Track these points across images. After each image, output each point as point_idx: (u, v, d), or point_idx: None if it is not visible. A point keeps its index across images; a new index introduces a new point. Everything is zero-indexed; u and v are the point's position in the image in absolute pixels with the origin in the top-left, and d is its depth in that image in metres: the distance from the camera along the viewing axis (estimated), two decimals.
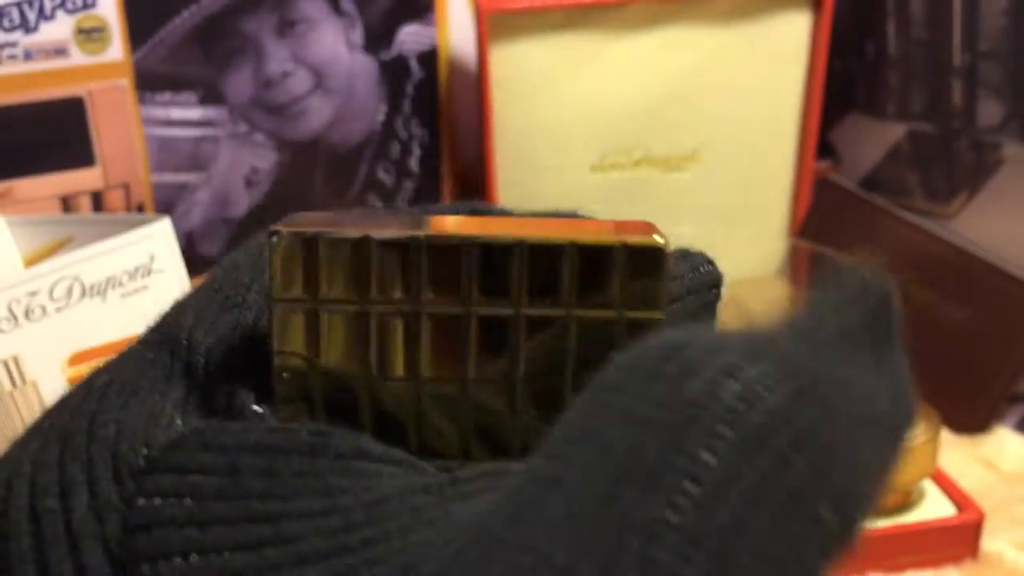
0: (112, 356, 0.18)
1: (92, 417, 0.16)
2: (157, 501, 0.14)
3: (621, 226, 0.17)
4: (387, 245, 0.16)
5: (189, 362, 0.17)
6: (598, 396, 0.14)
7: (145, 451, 0.15)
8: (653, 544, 0.12)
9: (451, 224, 0.17)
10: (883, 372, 0.15)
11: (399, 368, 0.16)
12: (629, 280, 0.16)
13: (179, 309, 0.19)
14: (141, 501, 0.14)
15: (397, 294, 0.16)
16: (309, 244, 0.16)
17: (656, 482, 0.13)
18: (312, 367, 0.16)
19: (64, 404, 0.17)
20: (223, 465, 0.14)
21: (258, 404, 0.16)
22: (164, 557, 0.14)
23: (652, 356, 0.14)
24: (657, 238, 0.16)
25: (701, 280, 0.19)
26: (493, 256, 0.16)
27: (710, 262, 0.19)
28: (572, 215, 0.21)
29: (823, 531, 0.13)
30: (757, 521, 0.13)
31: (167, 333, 0.18)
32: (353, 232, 0.16)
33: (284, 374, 0.16)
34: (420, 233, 0.16)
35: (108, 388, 0.16)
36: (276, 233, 0.16)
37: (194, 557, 0.13)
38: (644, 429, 0.13)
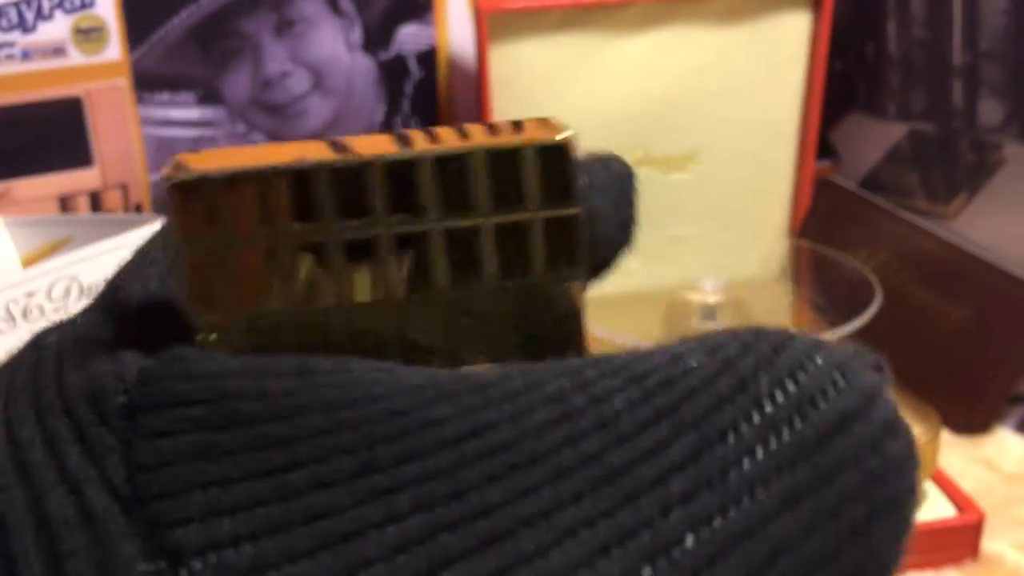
0: (57, 322, 0.18)
1: (57, 370, 0.15)
2: (159, 440, 0.14)
3: (521, 126, 0.16)
4: (288, 174, 0.15)
5: (126, 326, 0.17)
6: (677, 364, 0.14)
7: (123, 386, 0.14)
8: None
9: (358, 145, 0.16)
10: None
11: (324, 301, 0.16)
12: (539, 179, 0.16)
13: (116, 275, 0.18)
14: (141, 441, 0.14)
15: (306, 223, 0.15)
16: (205, 185, 0.15)
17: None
18: (234, 319, 0.15)
19: (17, 364, 0.16)
20: (213, 392, 0.14)
21: None
22: (183, 492, 0.13)
23: (761, 350, 0.14)
24: (560, 135, 0.16)
25: (615, 175, 0.20)
26: (400, 173, 0.15)
27: (619, 160, 0.20)
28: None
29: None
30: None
31: (106, 298, 0.18)
32: (250, 166, 0.15)
33: (205, 326, 0.15)
34: (321, 158, 0.15)
35: (62, 344, 0.16)
36: (167, 179, 0.15)
37: (213, 490, 0.13)
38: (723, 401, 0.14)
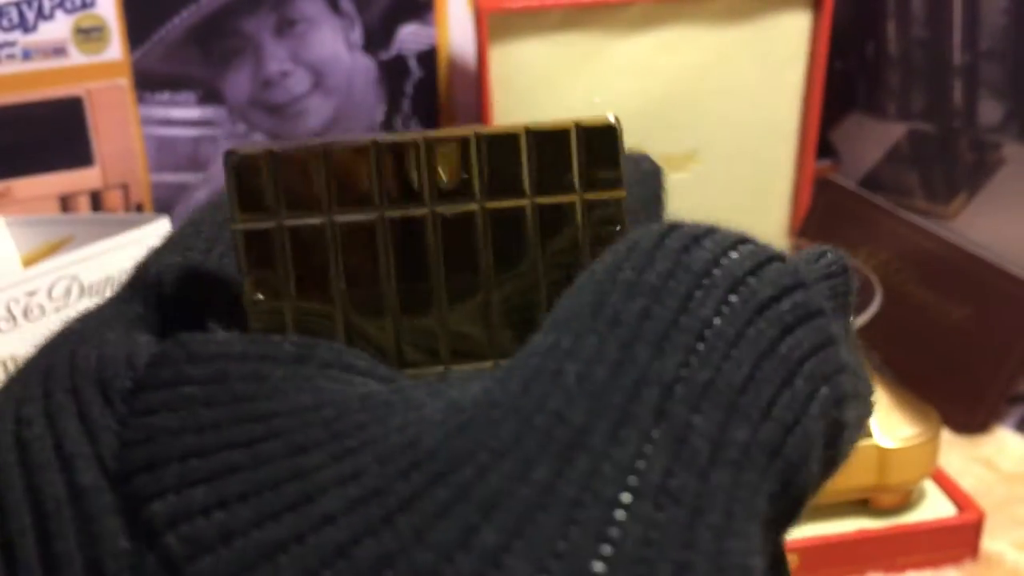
0: (92, 307, 0.18)
1: (72, 352, 0.16)
2: (150, 416, 0.14)
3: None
4: (344, 152, 0.16)
5: (159, 300, 0.17)
6: (601, 274, 0.14)
7: (131, 373, 0.15)
8: (667, 398, 0.13)
9: (408, 133, 0.16)
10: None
11: (371, 279, 0.16)
12: (587, 161, 0.16)
13: (150, 255, 0.19)
14: (134, 419, 0.14)
15: (358, 203, 0.16)
16: (265, 160, 0.16)
17: (667, 342, 0.13)
18: (283, 286, 0.16)
19: (42, 348, 0.17)
20: (210, 373, 0.14)
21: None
22: (162, 464, 0.14)
23: (651, 235, 0.15)
24: (608, 117, 0.16)
25: (644, 172, 0.20)
26: (446, 153, 0.16)
27: (649, 159, 0.20)
28: None
29: (822, 408, 0.14)
30: (763, 380, 0.13)
31: (138, 276, 0.18)
32: (310, 144, 0.16)
33: (256, 297, 0.16)
34: (375, 137, 0.16)
35: (84, 328, 0.17)
36: (231, 153, 0.16)
37: (192, 461, 0.14)
38: (652, 297, 0.14)
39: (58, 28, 0.50)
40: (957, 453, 0.50)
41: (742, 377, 0.13)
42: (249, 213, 0.16)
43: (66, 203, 0.53)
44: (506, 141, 0.16)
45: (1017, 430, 0.53)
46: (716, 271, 0.14)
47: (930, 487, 0.46)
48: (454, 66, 0.62)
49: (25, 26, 0.50)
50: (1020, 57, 0.55)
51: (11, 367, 0.40)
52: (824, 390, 0.14)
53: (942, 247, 0.57)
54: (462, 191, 0.16)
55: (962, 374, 0.54)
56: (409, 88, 0.61)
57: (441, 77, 0.62)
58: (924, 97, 0.61)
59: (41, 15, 0.50)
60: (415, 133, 0.16)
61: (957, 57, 0.58)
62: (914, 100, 0.62)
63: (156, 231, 0.43)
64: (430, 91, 0.61)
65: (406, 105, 0.61)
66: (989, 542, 0.44)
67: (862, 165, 0.66)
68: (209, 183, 0.57)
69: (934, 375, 0.55)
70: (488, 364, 0.16)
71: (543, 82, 0.58)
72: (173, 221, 0.45)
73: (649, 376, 0.13)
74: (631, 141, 0.60)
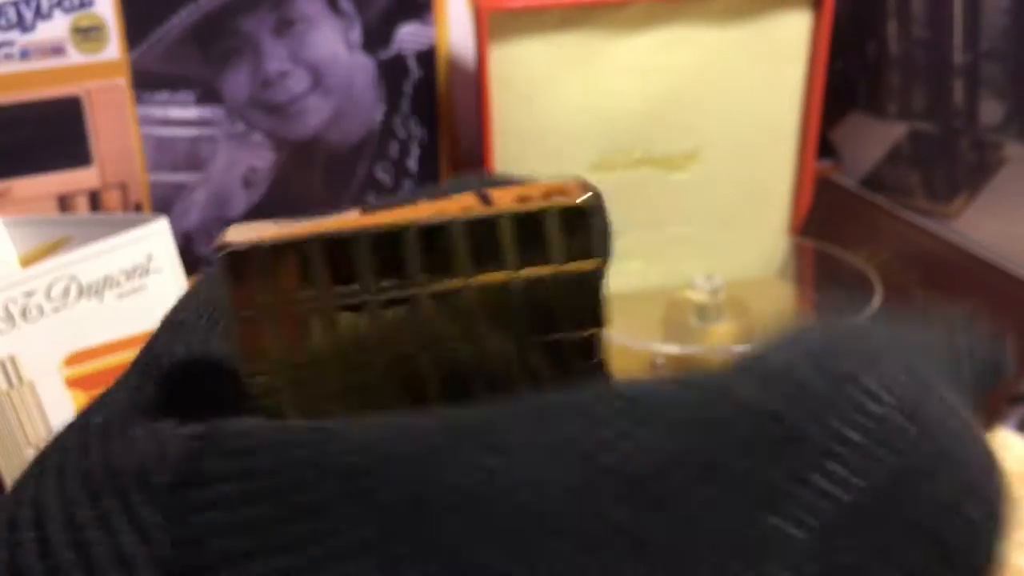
0: (101, 393, 0.18)
1: (106, 453, 0.16)
2: (194, 515, 0.14)
3: (550, 189, 0.17)
4: (330, 242, 0.16)
5: (170, 390, 0.17)
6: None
7: (167, 469, 0.15)
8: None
9: (389, 214, 0.17)
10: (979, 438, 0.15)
11: (365, 355, 0.17)
12: (563, 237, 0.17)
13: (157, 337, 0.19)
14: (184, 518, 0.14)
15: (348, 286, 0.17)
16: (258, 254, 0.16)
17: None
18: (280, 367, 0.17)
19: (68, 447, 0.17)
20: (244, 468, 0.15)
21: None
22: (216, 567, 0.14)
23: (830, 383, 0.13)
24: (582, 199, 0.17)
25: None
26: (433, 236, 0.17)
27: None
28: (504, 181, 0.22)
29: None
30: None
31: (148, 364, 0.18)
32: (295, 235, 0.16)
33: (256, 380, 0.16)
34: (360, 225, 0.16)
35: (109, 425, 0.17)
36: (221, 248, 0.16)
37: (243, 563, 0.14)
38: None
39: (56, 27, 0.50)
40: None
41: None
42: (245, 303, 0.16)
43: (64, 203, 0.52)
44: (488, 224, 0.17)
45: (1018, 430, 0.53)
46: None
47: None
48: (454, 66, 0.62)
49: (23, 25, 0.49)
50: (1021, 57, 0.55)
51: (9, 368, 0.40)
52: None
53: (943, 247, 0.57)
54: (451, 269, 0.17)
55: None
56: (408, 88, 0.61)
57: (440, 77, 0.61)
58: (925, 97, 0.61)
59: (39, 14, 0.50)
60: (405, 215, 0.17)
61: (958, 57, 0.58)
62: (915, 100, 0.62)
63: (155, 231, 0.43)
64: (429, 91, 0.61)
65: (405, 105, 0.61)
66: None
67: (863, 165, 0.66)
68: (207, 183, 0.57)
69: None
70: None
71: (543, 82, 0.58)
72: (172, 221, 0.45)
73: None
74: (631, 141, 0.60)
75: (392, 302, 0.17)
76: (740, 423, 0.12)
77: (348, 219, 0.17)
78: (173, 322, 0.19)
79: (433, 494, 0.13)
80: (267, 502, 0.14)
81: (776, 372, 0.13)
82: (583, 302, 0.17)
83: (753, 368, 0.13)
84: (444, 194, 0.19)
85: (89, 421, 0.17)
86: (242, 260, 0.16)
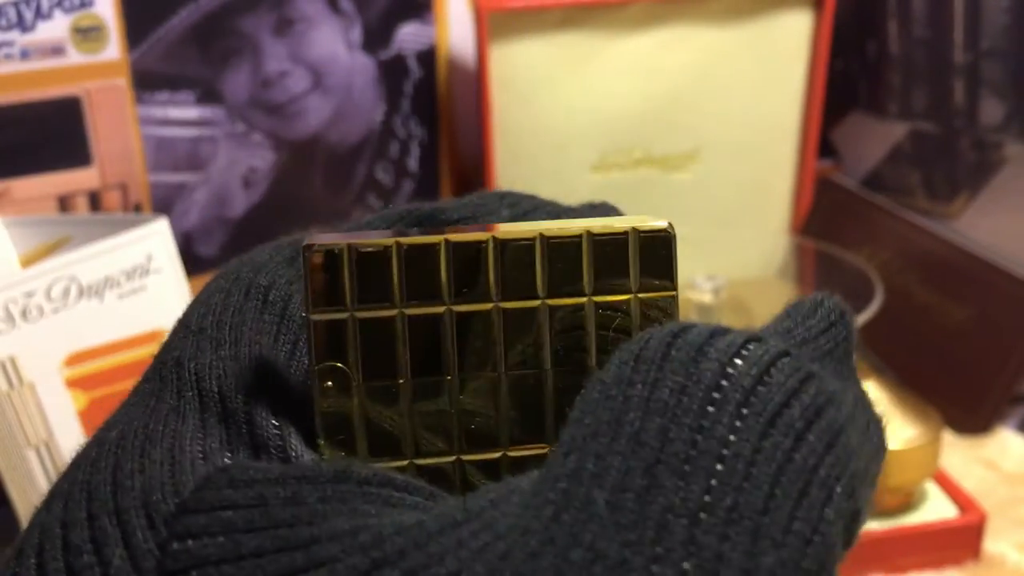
0: (118, 406, 0.18)
1: (114, 471, 0.16)
2: (190, 542, 0.14)
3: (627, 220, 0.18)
4: (413, 250, 0.17)
5: (202, 398, 0.17)
6: (613, 389, 0.14)
7: (176, 498, 0.15)
8: (695, 527, 0.13)
9: (473, 229, 0.17)
10: (853, 391, 0.16)
11: (439, 368, 0.17)
12: (642, 264, 0.17)
13: (174, 345, 0.19)
14: (175, 544, 0.14)
15: (426, 298, 0.17)
16: (343, 255, 0.16)
17: (689, 466, 0.13)
18: (351, 375, 0.17)
19: (81, 463, 0.17)
20: (250, 498, 0.14)
21: (296, 434, 0.17)
22: None
23: (657, 345, 0.15)
24: (662, 223, 0.18)
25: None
26: (511, 252, 0.17)
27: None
28: (604, 207, 0.22)
29: (838, 512, 0.14)
30: (782, 496, 0.13)
31: (170, 371, 0.18)
32: (381, 241, 0.16)
33: (326, 384, 0.17)
34: (443, 236, 0.17)
35: (123, 440, 0.17)
36: (309, 248, 0.16)
37: None
38: (669, 417, 0.14)
39: (56, 28, 0.50)
40: (959, 454, 0.50)
41: (763, 497, 0.13)
42: (323, 305, 0.16)
43: (64, 203, 0.52)
44: (567, 243, 0.17)
45: (1018, 430, 0.53)
46: (725, 383, 0.14)
47: (932, 488, 0.45)
48: (454, 65, 0.62)
49: (23, 25, 0.49)
50: (1021, 56, 0.55)
51: (9, 368, 0.40)
52: (838, 489, 0.14)
53: (943, 247, 0.57)
54: (527, 288, 0.17)
55: (963, 375, 0.54)
56: (408, 87, 0.61)
57: (441, 76, 0.61)
58: (925, 97, 0.61)
59: (39, 14, 0.50)
60: (482, 233, 0.17)
61: (958, 57, 0.58)
62: (915, 100, 0.62)
63: (155, 231, 0.43)
64: (429, 90, 0.61)
65: (405, 104, 0.61)
66: (991, 543, 0.44)
67: (863, 165, 0.66)
68: (207, 183, 0.57)
69: (936, 375, 0.54)
70: (498, 454, 0.17)
71: (543, 82, 0.58)
72: (172, 221, 0.45)
73: (676, 505, 0.13)
74: (631, 141, 0.60)
75: (466, 316, 0.17)
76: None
77: (432, 235, 0.17)
78: (191, 330, 0.19)
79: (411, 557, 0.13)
80: (264, 533, 0.14)
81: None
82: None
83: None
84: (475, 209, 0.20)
85: (105, 436, 0.17)
86: (326, 261, 0.16)
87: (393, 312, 0.17)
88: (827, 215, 0.63)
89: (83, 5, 0.51)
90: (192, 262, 0.54)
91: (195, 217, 0.57)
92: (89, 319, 0.41)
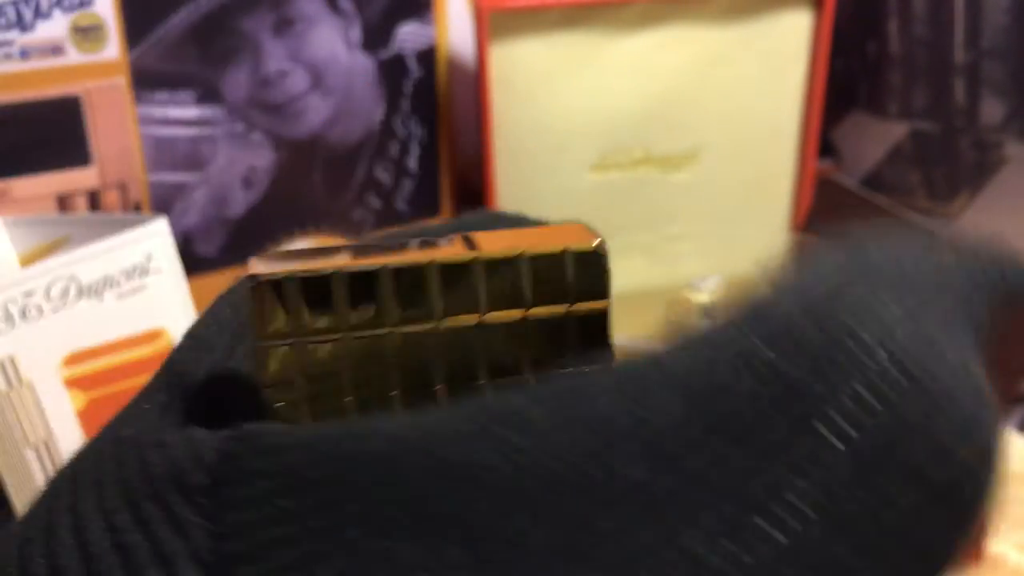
0: (125, 407, 0.19)
1: (140, 459, 0.17)
2: (234, 511, 0.15)
3: (557, 232, 0.19)
4: (355, 276, 0.17)
5: (194, 407, 0.18)
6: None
7: (204, 470, 0.16)
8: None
9: (415, 252, 0.18)
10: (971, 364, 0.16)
11: (383, 389, 0.18)
12: (577, 279, 0.18)
13: (185, 357, 0.20)
14: (221, 514, 0.15)
15: (369, 319, 0.18)
16: (282, 286, 0.17)
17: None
18: (300, 394, 0.18)
19: (93, 455, 0.18)
20: (279, 465, 0.15)
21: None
22: (256, 555, 0.14)
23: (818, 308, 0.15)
24: (594, 242, 0.18)
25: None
26: (454, 274, 0.18)
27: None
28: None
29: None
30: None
31: (173, 378, 0.19)
32: (323, 267, 0.17)
33: (277, 404, 0.18)
34: (384, 261, 0.18)
35: (138, 437, 0.17)
36: (252, 278, 0.17)
37: (284, 551, 0.14)
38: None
39: (56, 27, 0.50)
40: None
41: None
42: (270, 331, 0.17)
43: (64, 203, 0.52)
44: (506, 264, 0.18)
45: (1020, 431, 0.53)
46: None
47: None
48: (453, 65, 0.62)
49: (22, 25, 0.49)
50: (1022, 56, 0.55)
51: (8, 368, 0.40)
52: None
53: None
54: (464, 306, 0.18)
55: None
56: (408, 87, 0.61)
57: (440, 76, 0.61)
58: (926, 96, 0.61)
59: (38, 14, 0.50)
60: (422, 253, 0.18)
61: (959, 56, 0.58)
62: (916, 99, 0.62)
63: (154, 231, 0.43)
64: (429, 90, 0.61)
65: (405, 104, 0.61)
66: (992, 543, 0.44)
67: (863, 164, 0.66)
68: (207, 183, 0.57)
69: None
70: None
71: (543, 81, 0.57)
72: (171, 221, 0.45)
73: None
74: (631, 140, 0.60)
75: (410, 335, 0.18)
76: (742, 380, 0.13)
77: (373, 259, 0.18)
78: (195, 338, 0.20)
79: (465, 474, 0.14)
80: (305, 493, 0.15)
81: (774, 329, 0.14)
82: (593, 340, 0.18)
83: (752, 324, 0.14)
84: (440, 234, 0.20)
85: (120, 435, 0.18)
86: (267, 290, 0.17)
87: (337, 336, 0.18)
88: (827, 215, 0.63)
89: (82, 4, 0.51)
90: (192, 262, 0.54)
91: (195, 217, 0.57)
92: (88, 319, 0.41)
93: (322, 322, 0.17)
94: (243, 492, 0.15)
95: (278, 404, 0.18)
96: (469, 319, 0.18)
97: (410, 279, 0.18)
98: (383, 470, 0.14)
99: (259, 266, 0.17)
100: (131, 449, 0.17)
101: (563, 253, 0.18)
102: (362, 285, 0.17)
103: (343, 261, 0.18)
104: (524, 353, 0.18)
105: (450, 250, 0.18)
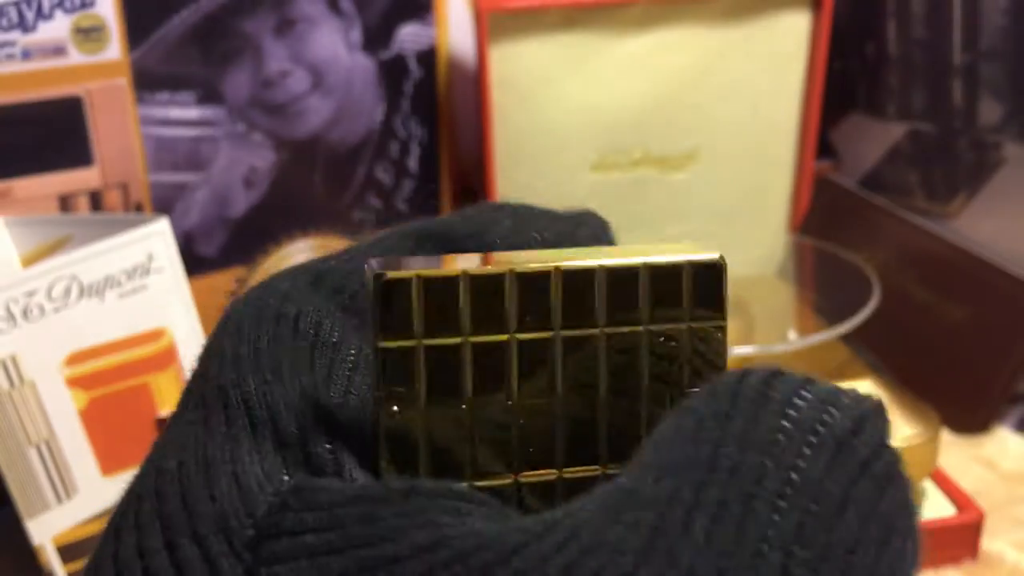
0: (161, 436, 0.18)
1: (183, 498, 0.16)
2: (277, 567, 0.15)
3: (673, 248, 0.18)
4: (479, 279, 0.17)
5: (253, 424, 0.17)
6: (709, 422, 0.15)
7: (250, 521, 0.15)
8: (789, 559, 0.14)
9: (531, 256, 0.18)
10: None
11: (501, 397, 0.17)
12: (695, 293, 0.18)
13: (212, 373, 0.19)
14: (263, 570, 0.15)
15: (490, 326, 0.17)
16: (411, 285, 0.17)
17: (784, 501, 0.14)
18: (416, 401, 0.17)
19: (143, 494, 0.17)
20: (327, 520, 0.15)
21: (350, 456, 0.17)
22: None
23: (756, 383, 0.16)
24: (714, 255, 0.18)
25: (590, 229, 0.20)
26: (575, 282, 0.17)
27: (594, 216, 0.20)
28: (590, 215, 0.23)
29: (911, 564, 0.15)
30: (868, 540, 0.14)
31: (215, 399, 0.18)
32: (448, 270, 0.17)
33: (392, 410, 0.17)
34: (509, 267, 0.17)
35: (184, 468, 0.17)
36: (379, 276, 0.17)
37: None
38: (766, 454, 0.15)
39: (57, 28, 0.50)
40: (957, 453, 0.50)
41: (852, 538, 0.14)
42: (391, 333, 0.17)
43: (65, 203, 0.53)
44: (625, 273, 0.17)
45: (1017, 430, 0.53)
46: (822, 429, 0.15)
47: (930, 487, 0.46)
48: (454, 66, 0.62)
49: (24, 26, 0.50)
50: (1020, 57, 0.55)
51: (10, 367, 0.40)
52: (910, 545, 0.15)
53: (942, 247, 0.57)
54: (586, 317, 0.17)
55: (962, 374, 0.54)
56: (408, 88, 0.61)
57: (441, 77, 0.62)
58: (924, 97, 0.61)
59: (40, 15, 0.50)
60: (547, 258, 0.17)
61: (957, 57, 0.58)
62: (914, 100, 0.62)
63: (155, 231, 0.43)
64: (430, 91, 0.61)
65: (405, 105, 0.61)
66: (989, 542, 0.44)
67: (862, 165, 0.66)
68: (208, 183, 0.57)
69: (934, 375, 0.55)
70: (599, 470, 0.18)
71: (543, 82, 0.58)
72: (172, 221, 0.45)
73: (771, 536, 0.14)
74: (631, 141, 0.60)
75: (529, 344, 0.17)
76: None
77: (498, 265, 0.17)
78: (227, 358, 0.19)
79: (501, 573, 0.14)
80: (346, 554, 0.14)
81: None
82: (710, 358, 0.18)
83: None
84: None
85: (163, 466, 0.17)
86: (394, 290, 0.17)
87: (459, 340, 0.17)
88: (826, 215, 0.63)
89: (84, 5, 0.51)
90: (193, 262, 0.54)
91: (196, 217, 0.57)
92: (90, 318, 0.42)
93: (445, 326, 0.17)
94: (285, 546, 0.15)
95: (393, 410, 0.17)
96: (588, 331, 0.17)
97: (531, 285, 0.17)
98: (432, 534, 0.14)
99: (381, 266, 0.17)
100: (173, 485, 0.17)
101: (682, 264, 0.18)
102: (487, 290, 0.17)
103: (468, 265, 0.17)
104: (638, 367, 0.18)
105: (573, 254, 0.18)
